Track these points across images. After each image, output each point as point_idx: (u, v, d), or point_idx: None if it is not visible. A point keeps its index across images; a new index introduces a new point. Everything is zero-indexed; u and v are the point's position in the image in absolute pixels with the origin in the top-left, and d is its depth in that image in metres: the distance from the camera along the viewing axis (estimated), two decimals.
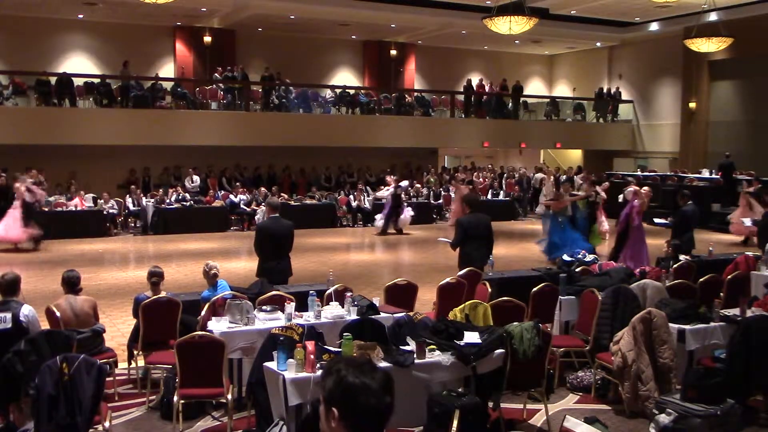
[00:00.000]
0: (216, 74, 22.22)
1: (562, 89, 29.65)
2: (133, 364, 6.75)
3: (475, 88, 26.05)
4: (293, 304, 6.37)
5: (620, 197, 14.37)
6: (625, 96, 27.22)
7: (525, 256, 14.71)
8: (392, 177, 19.42)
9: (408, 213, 18.78)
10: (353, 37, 25.66)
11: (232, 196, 19.33)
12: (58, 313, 6.15)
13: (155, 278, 6.85)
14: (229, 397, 5.51)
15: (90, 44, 22.33)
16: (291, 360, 4.84)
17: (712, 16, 20.08)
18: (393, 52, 26.30)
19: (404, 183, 19.42)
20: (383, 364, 5.06)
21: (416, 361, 5.17)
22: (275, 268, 8.02)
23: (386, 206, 18.44)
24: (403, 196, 18.98)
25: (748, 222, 14.94)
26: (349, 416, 2.04)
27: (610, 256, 12.10)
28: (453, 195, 20.68)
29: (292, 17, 21.77)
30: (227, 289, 7.00)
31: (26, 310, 5.67)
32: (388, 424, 2.13)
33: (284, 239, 8.22)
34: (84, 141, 19.03)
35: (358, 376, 2.05)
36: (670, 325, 6.31)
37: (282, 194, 20.12)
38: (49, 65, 21.43)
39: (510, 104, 26.12)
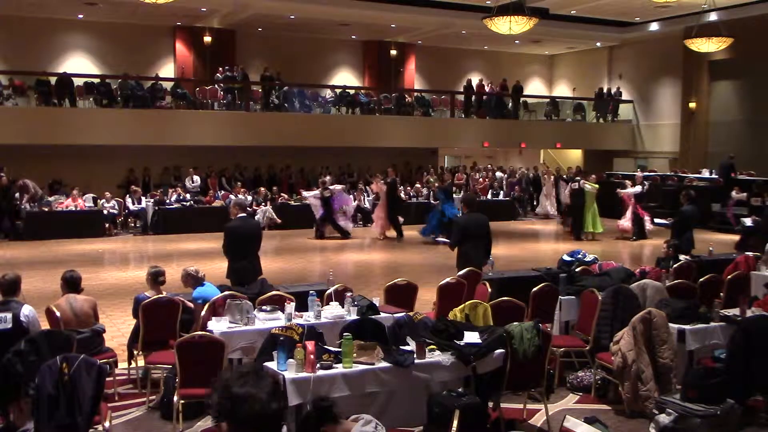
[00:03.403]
0: (217, 74, 22.23)
1: (562, 89, 29.65)
2: (133, 364, 6.74)
3: (475, 88, 26.05)
4: (293, 304, 6.37)
5: None
6: (625, 96, 27.22)
7: (525, 256, 14.72)
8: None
9: (347, 220, 17.55)
10: (353, 37, 25.66)
11: (232, 196, 19.31)
12: (58, 313, 6.14)
13: (162, 277, 6.86)
14: None
15: (90, 44, 22.33)
16: (291, 360, 4.84)
17: (712, 16, 20.08)
18: (393, 52, 26.30)
19: (338, 187, 17.83)
20: (383, 364, 5.07)
21: (416, 361, 5.16)
22: (246, 268, 8.03)
23: (318, 210, 17.40)
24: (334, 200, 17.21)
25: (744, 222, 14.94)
26: (237, 427, 2.02)
27: None
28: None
29: (292, 17, 21.77)
30: (213, 287, 7.05)
31: (27, 310, 5.66)
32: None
33: (253, 239, 8.31)
34: (84, 141, 19.03)
35: (242, 386, 2.03)
36: (670, 325, 6.31)
37: (282, 194, 20.16)
38: (49, 65, 21.44)
39: (510, 104, 26.12)
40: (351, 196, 19.05)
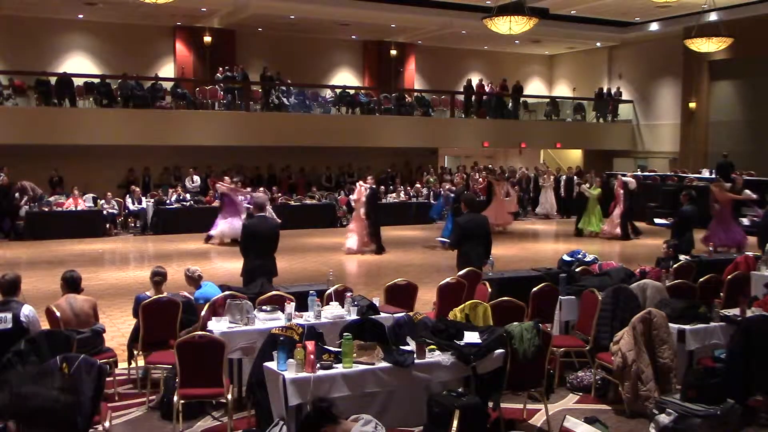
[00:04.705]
0: (217, 74, 22.23)
1: (562, 89, 29.66)
2: (133, 364, 6.74)
3: (475, 88, 26.06)
4: (293, 304, 6.37)
5: None
6: (625, 96, 27.23)
7: (525, 256, 14.72)
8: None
9: (229, 223, 15.83)
10: (353, 37, 25.67)
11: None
12: (58, 313, 6.15)
13: (158, 277, 6.85)
14: (229, 397, 5.51)
15: (90, 44, 22.33)
16: (291, 360, 4.84)
17: (712, 16, 20.08)
18: (393, 52, 26.30)
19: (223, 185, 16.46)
20: (383, 364, 5.07)
21: (416, 361, 5.16)
22: (261, 268, 7.94)
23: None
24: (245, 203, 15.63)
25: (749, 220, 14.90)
26: (26, 425, 1.97)
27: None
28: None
29: (292, 17, 21.78)
30: (214, 287, 7.03)
31: (27, 310, 5.66)
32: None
33: (270, 238, 8.18)
34: (84, 141, 19.03)
35: (28, 384, 2.02)
36: (670, 325, 6.31)
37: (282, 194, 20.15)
38: (49, 65, 21.44)
39: (510, 104, 26.13)
40: (241, 198, 16.47)
